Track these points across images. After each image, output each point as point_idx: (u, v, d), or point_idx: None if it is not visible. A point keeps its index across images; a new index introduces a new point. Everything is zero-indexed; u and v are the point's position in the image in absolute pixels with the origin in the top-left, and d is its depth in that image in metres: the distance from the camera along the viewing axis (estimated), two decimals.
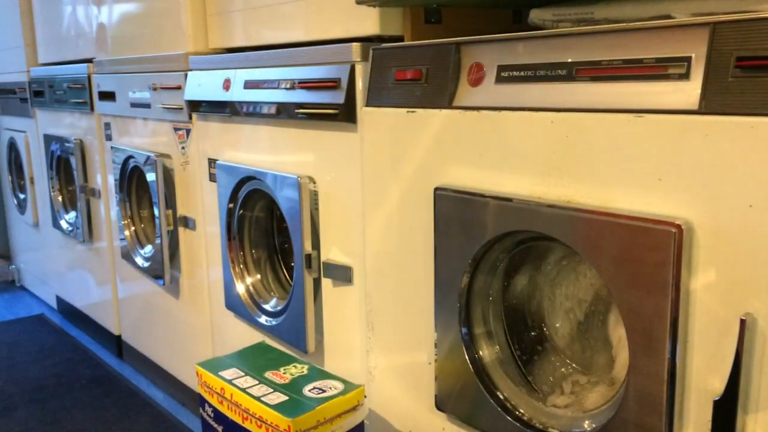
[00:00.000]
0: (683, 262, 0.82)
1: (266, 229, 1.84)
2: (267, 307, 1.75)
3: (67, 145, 2.71)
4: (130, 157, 2.24)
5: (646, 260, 0.85)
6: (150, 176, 2.11)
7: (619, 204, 0.90)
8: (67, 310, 3.09)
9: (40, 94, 2.92)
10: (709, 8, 0.88)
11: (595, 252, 0.91)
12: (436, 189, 1.17)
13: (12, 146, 3.36)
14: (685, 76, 0.81)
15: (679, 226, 0.81)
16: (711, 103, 0.77)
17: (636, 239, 0.86)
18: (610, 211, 0.90)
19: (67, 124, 2.75)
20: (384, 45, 1.33)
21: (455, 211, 1.13)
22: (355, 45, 1.38)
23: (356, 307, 1.46)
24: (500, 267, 1.16)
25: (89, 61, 2.50)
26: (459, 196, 1.12)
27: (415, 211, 1.25)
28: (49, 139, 2.88)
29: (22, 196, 3.38)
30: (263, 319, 1.73)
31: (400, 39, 1.41)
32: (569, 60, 0.95)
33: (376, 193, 1.35)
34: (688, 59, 0.80)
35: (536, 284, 1.20)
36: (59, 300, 3.16)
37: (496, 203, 1.05)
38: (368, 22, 1.41)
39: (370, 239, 1.38)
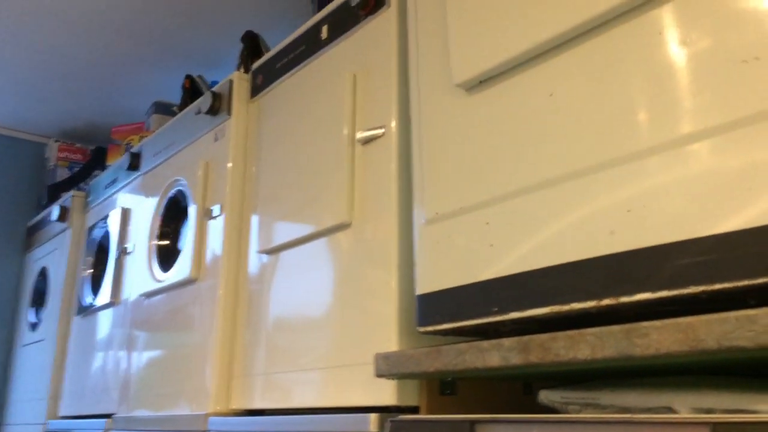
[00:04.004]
0: None
1: None
2: None
3: None
4: None
5: None
6: None
7: None
8: None
9: None
10: (709, 403, 0.93)
11: None
12: None
13: None
14: None
15: None
16: None
17: None
18: None
19: None
20: (400, 417, 1.37)
21: None
22: (373, 416, 1.42)
23: None
24: None
25: (108, 416, 2.54)
26: None
27: None
28: None
29: None
30: None
31: (416, 409, 1.45)
32: None
33: None
34: None
35: None
36: None
37: None
38: (386, 393, 1.47)
39: None
